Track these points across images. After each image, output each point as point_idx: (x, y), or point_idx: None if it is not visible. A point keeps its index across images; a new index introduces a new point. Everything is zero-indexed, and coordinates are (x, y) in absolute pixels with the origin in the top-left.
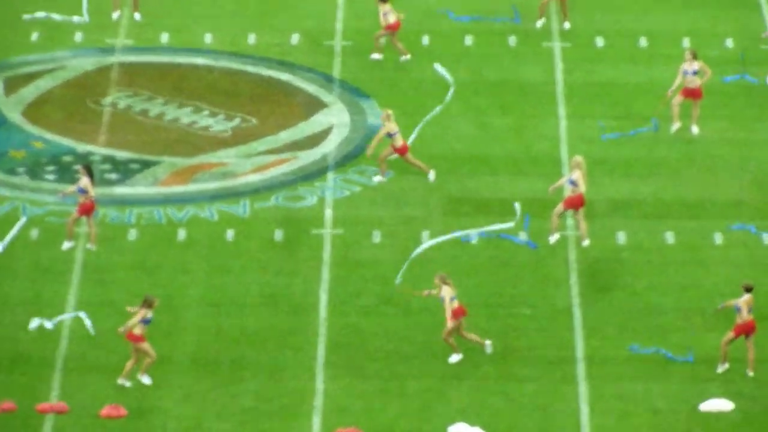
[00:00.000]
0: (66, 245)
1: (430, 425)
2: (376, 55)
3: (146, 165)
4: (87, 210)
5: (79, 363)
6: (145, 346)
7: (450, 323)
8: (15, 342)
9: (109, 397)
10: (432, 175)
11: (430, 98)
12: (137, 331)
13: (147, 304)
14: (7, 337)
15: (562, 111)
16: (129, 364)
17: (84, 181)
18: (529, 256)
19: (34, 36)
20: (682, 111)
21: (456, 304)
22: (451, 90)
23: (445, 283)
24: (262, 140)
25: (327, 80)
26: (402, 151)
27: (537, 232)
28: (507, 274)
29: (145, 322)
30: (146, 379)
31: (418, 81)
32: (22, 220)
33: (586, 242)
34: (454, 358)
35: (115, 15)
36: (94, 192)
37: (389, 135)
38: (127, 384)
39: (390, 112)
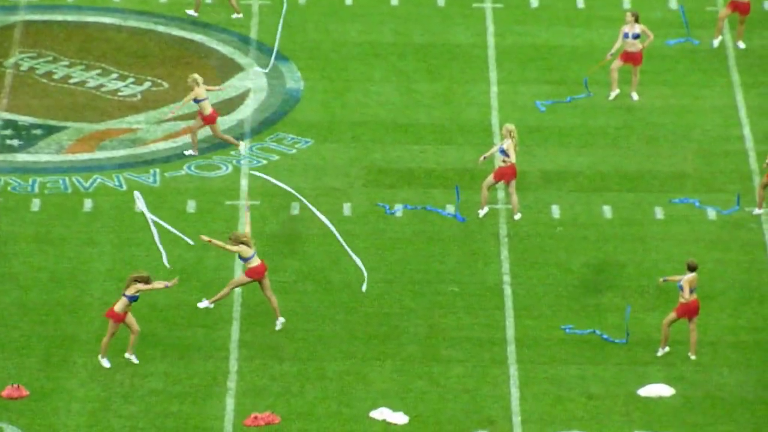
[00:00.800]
0: None
1: (351, 409)
2: (236, 15)
3: (50, 131)
4: None
5: None
6: (129, 320)
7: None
8: None
9: (9, 377)
10: (243, 147)
11: (353, 61)
12: (118, 308)
13: (143, 279)
14: None
15: (493, 76)
16: (105, 341)
17: None
18: (458, 230)
19: None
20: (621, 76)
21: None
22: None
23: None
24: (174, 105)
25: (243, 41)
26: (210, 120)
27: (466, 204)
28: (434, 248)
29: (131, 299)
30: (134, 358)
31: (340, 43)
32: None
33: (517, 216)
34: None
35: None
36: None
37: (196, 101)
38: (106, 363)
39: (197, 76)
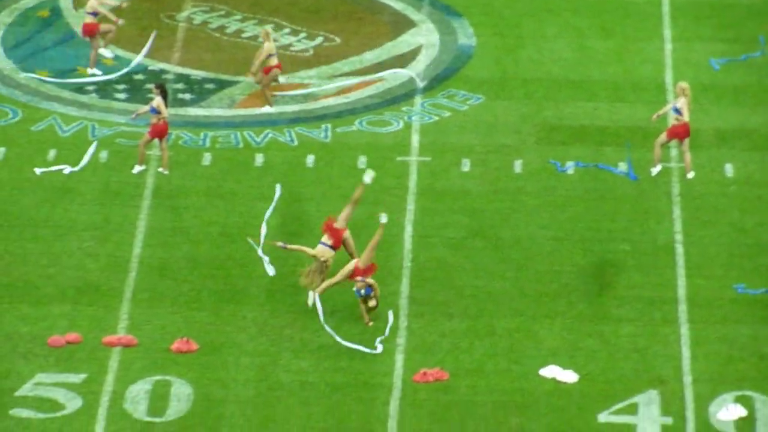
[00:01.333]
0: (137, 169)
1: (520, 367)
2: None
3: (222, 85)
4: (159, 132)
5: (148, 294)
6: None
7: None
8: (82, 270)
9: (179, 331)
10: (267, 108)
11: (526, 17)
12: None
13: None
14: (73, 265)
15: (667, 33)
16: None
17: (157, 100)
18: (629, 188)
19: None
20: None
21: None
22: None
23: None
24: (346, 61)
25: None
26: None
27: (638, 163)
28: (605, 206)
29: (153, 111)
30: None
31: None
32: (94, 145)
33: (690, 174)
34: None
35: None
36: (167, 113)
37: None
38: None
39: (269, 29)
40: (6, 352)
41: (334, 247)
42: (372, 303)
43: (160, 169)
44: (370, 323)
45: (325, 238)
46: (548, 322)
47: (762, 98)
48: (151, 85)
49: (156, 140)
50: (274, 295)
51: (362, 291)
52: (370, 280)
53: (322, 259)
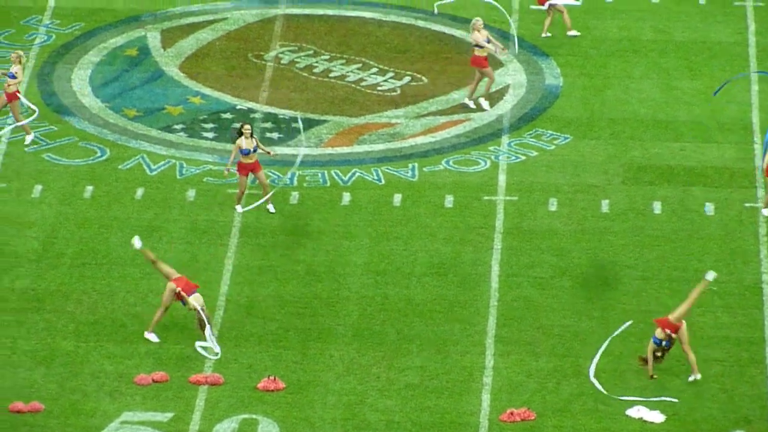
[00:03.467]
0: (239, 209)
1: (607, 407)
2: (573, 32)
3: (310, 124)
4: (250, 168)
5: (235, 332)
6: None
7: None
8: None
9: (266, 370)
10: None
11: (613, 57)
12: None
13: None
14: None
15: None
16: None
17: (243, 140)
18: (717, 229)
19: None
20: None
21: None
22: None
23: None
24: (433, 100)
25: (503, 37)
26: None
27: (725, 202)
28: (692, 247)
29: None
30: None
31: (599, 40)
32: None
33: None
34: None
35: None
36: (254, 150)
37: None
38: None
39: (480, 21)
40: (92, 391)
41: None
42: (659, 354)
43: (268, 206)
44: (654, 377)
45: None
46: (635, 362)
47: None
48: (237, 125)
49: (251, 177)
50: (361, 334)
51: (663, 342)
52: (673, 334)
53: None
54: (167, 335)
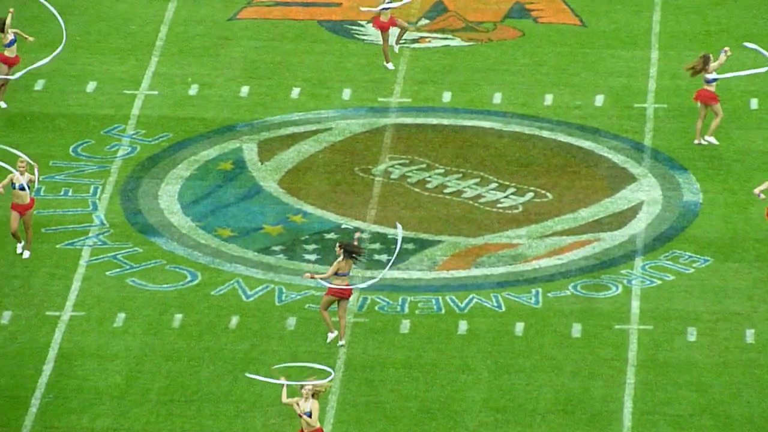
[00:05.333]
0: (330, 336)
1: None
2: (711, 139)
3: (423, 245)
4: (338, 293)
5: None
6: None
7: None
8: None
9: None
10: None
11: (758, 171)
12: None
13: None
14: None
15: None
16: None
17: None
18: None
19: (295, 92)
20: None
21: None
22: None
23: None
24: (559, 219)
25: (636, 149)
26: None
27: None
28: None
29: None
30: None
31: (743, 151)
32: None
33: None
34: None
35: (389, 66)
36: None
37: None
38: None
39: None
40: None
41: None
42: None
43: (340, 342)
44: None
45: None
46: None
47: None
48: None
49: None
50: None
51: None
52: None
53: None
54: None
